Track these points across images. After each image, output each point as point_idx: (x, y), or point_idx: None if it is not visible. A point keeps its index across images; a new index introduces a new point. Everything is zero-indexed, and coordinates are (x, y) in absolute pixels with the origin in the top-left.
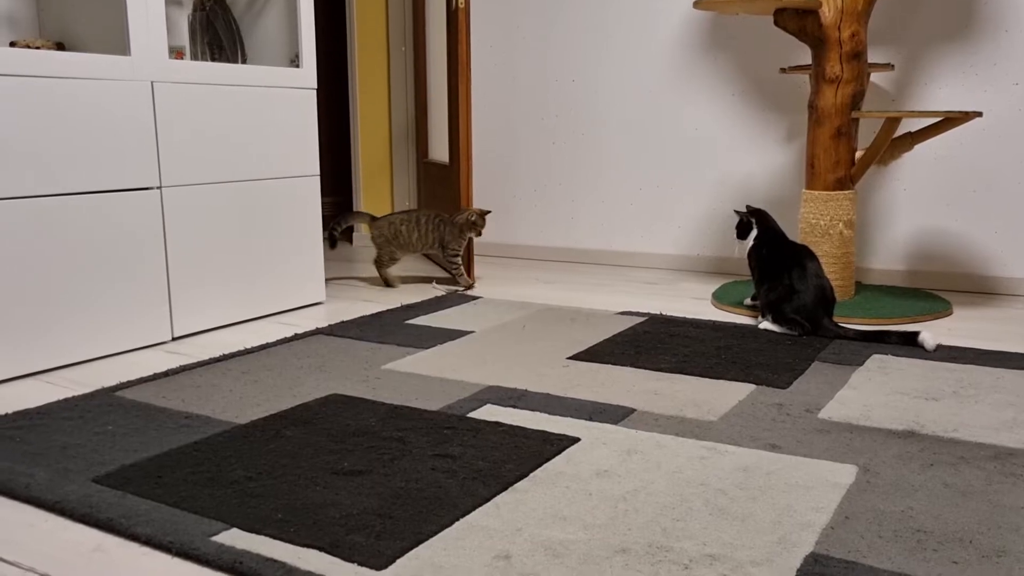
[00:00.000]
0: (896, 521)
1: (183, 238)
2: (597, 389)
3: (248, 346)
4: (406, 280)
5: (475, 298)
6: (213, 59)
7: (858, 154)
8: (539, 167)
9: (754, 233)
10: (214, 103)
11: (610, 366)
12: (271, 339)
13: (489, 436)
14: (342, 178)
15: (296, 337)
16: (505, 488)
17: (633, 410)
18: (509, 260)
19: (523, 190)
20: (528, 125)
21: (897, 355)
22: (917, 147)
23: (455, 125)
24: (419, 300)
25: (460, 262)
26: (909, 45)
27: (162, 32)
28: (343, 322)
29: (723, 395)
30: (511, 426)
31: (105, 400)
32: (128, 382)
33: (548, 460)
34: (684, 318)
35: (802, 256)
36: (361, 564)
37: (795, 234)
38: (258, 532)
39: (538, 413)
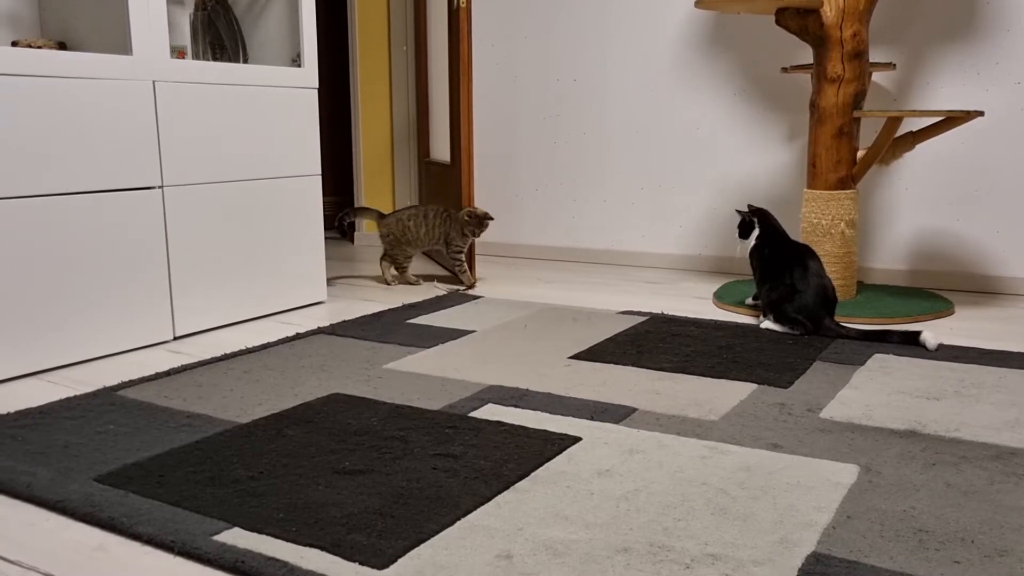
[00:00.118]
0: (898, 521)
1: (184, 237)
2: (598, 388)
3: (249, 345)
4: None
5: (476, 297)
6: (215, 59)
7: (860, 153)
8: (541, 166)
9: (756, 232)
10: (216, 103)
11: (611, 365)
12: (272, 338)
13: (490, 435)
14: (343, 177)
15: (297, 336)
16: (506, 487)
17: (635, 409)
18: (511, 259)
19: (524, 189)
20: (529, 124)
21: (899, 355)
22: (919, 146)
23: (456, 124)
24: (420, 299)
25: (464, 259)
26: (911, 44)
27: (164, 32)
28: (344, 321)
29: (725, 395)
30: (512, 425)
31: (107, 399)
32: (130, 381)
33: (549, 459)
34: (686, 318)
35: (804, 256)
36: (363, 563)
37: (797, 233)
38: (260, 531)
39: (539, 412)
